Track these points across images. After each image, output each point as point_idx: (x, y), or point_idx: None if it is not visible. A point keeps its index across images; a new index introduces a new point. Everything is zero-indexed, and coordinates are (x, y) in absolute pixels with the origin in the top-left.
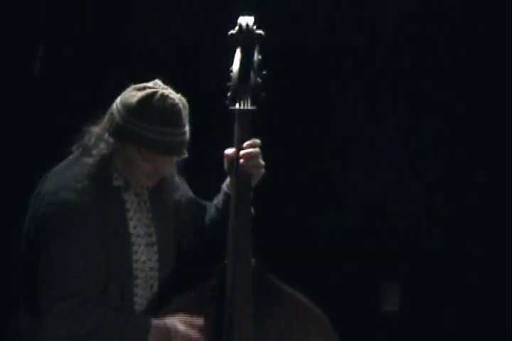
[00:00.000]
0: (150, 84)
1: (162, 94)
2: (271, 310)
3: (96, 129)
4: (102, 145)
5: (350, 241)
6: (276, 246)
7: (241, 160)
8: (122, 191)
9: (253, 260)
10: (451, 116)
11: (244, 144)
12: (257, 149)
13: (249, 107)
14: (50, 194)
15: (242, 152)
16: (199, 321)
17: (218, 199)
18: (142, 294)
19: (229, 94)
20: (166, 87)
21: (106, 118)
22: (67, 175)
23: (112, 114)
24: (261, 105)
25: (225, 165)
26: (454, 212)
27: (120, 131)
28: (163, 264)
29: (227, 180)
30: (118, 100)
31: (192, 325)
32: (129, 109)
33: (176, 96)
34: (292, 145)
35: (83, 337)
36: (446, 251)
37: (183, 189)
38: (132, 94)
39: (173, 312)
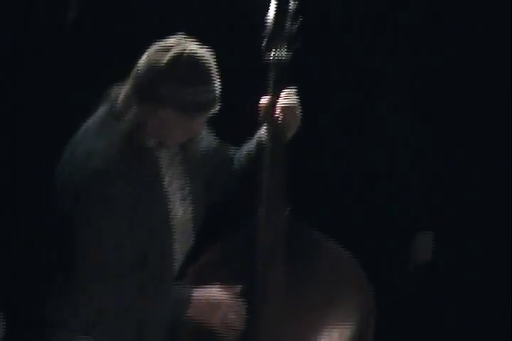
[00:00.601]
0: (174, 41)
1: (190, 52)
2: (306, 258)
3: (123, 91)
4: (134, 110)
5: (384, 190)
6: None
7: (278, 111)
8: (155, 150)
9: (287, 209)
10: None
11: (281, 94)
12: (293, 100)
13: (285, 55)
14: (83, 160)
15: (279, 103)
16: (234, 278)
17: (251, 147)
18: (180, 249)
19: (264, 42)
20: (190, 41)
21: (133, 81)
22: (98, 140)
23: (140, 76)
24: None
25: (261, 116)
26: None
27: (152, 95)
28: (196, 215)
29: (263, 128)
30: (144, 62)
31: (229, 288)
32: (158, 72)
33: (203, 52)
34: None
35: (120, 312)
36: (479, 201)
37: (208, 138)
38: (159, 55)
39: (206, 263)
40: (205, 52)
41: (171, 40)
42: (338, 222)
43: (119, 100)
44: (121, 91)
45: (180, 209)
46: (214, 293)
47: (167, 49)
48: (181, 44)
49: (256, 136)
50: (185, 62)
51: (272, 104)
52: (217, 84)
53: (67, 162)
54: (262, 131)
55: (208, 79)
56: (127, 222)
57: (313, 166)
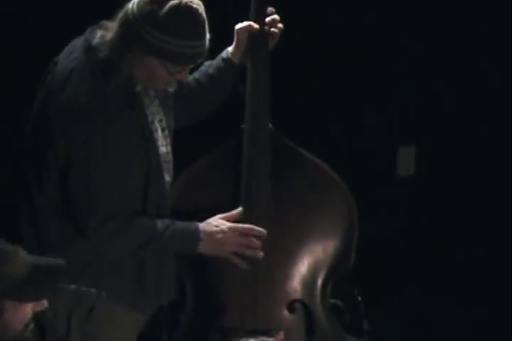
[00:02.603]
0: None
1: (186, 6)
2: (290, 173)
3: (108, 36)
4: (125, 59)
5: (368, 108)
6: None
7: (273, 28)
8: (141, 94)
9: (271, 125)
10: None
11: (269, 11)
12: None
13: None
14: (78, 113)
15: (271, 17)
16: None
17: (211, 67)
18: (167, 181)
19: None
20: None
21: (122, 28)
22: (94, 95)
23: (131, 25)
24: None
25: (239, 37)
26: None
27: (145, 46)
28: (172, 146)
29: (228, 49)
30: (136, 11)
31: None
32: (155, 24)
33: (198, 5)
34: None
35: (135, 251)
36: (463, 116)
37: None
38: (154, 7)
39: (192, 176)
40: (199, 6)
41: None
42: (322, 138)
43: (106, 48)
44: (100, 36)
45: (164, 146)
46: (216, 219)
47: (161, 0)
48: None
49: (221, 56)
50: (182, 16)
51: (261, 21)
52: (207, 37)
53: (47, 106)
54: (230, 50)
55: (200, 34)
56: (129, 167)
57: (296, 81)
